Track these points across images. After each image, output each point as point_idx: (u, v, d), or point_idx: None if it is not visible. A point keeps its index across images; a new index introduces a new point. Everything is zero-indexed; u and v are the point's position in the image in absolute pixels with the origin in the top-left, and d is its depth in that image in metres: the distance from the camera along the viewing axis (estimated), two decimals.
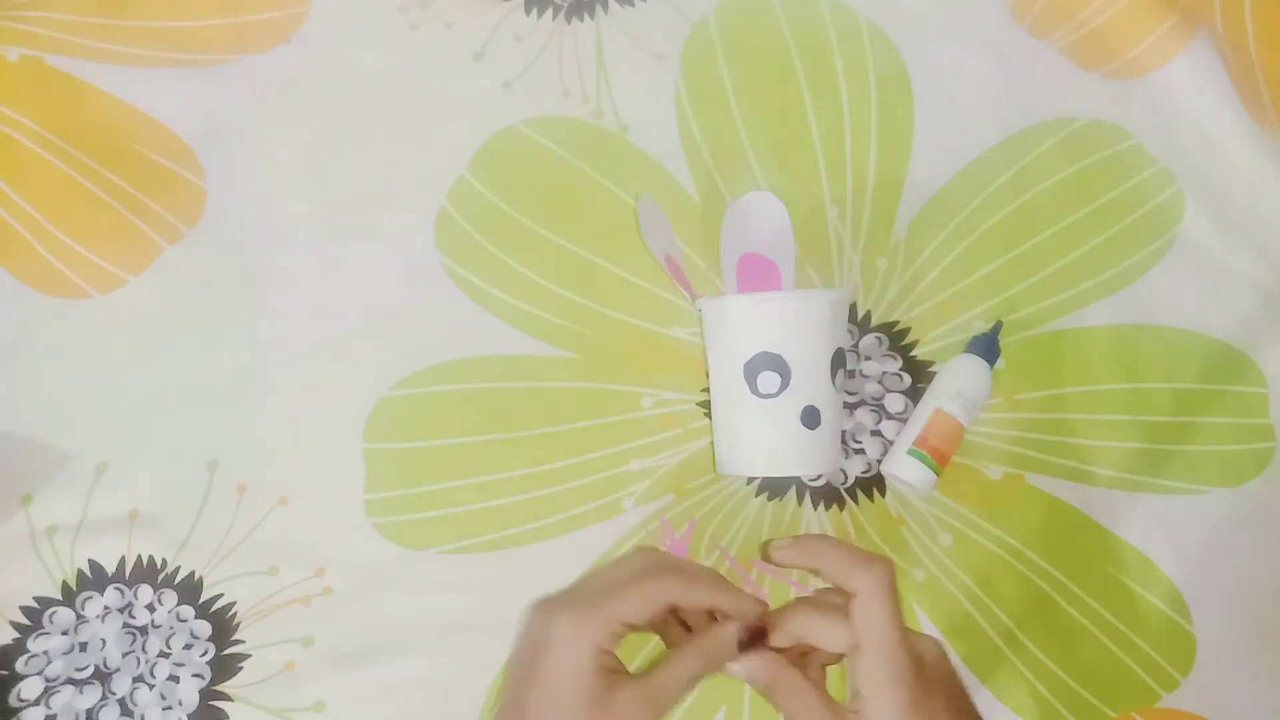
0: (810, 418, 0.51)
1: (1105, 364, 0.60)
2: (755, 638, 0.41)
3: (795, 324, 0.52)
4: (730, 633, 0.41)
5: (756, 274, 0.55)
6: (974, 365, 0.57)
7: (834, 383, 0.52)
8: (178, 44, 0.65)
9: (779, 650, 0.41)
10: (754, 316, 0.52)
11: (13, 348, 0.58)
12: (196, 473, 0.56)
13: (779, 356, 0.51)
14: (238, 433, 0.57)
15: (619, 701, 0.39)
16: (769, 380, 0.51)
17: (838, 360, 0.52)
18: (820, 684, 0.41)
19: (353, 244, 0.61)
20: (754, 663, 0.40)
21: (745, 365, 0.52)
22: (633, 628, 0.42)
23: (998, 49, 0.68)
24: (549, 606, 0.41)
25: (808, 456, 0.52)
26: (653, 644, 0.52)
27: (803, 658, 0.41)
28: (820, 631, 0.41)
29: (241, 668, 0.53)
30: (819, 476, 0.57)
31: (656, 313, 0.60)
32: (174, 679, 0.52)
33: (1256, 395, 0.60)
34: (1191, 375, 0.61)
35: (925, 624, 0.55)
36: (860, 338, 0.60)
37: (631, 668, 0.40)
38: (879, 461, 0.58)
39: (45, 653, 0.53)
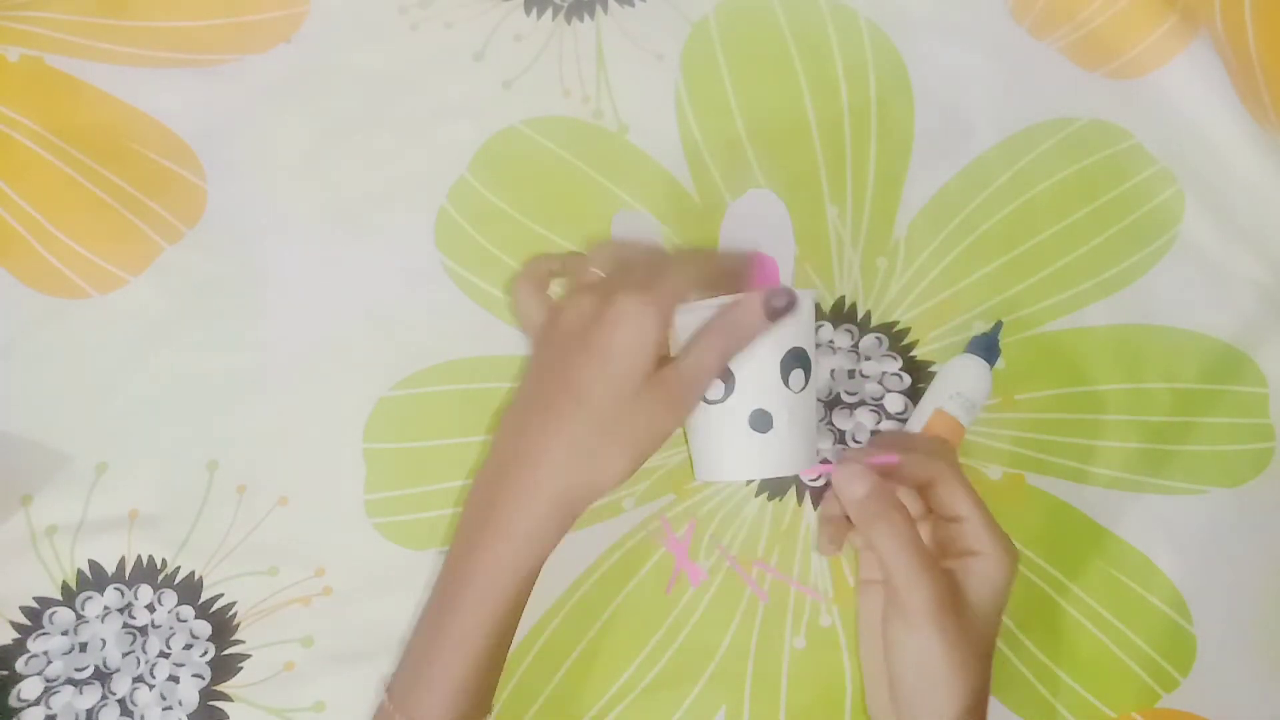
0: (760, 421, 0.51)
1: (1105, 364, 0.60)
2: (787, 305, 0.45)
3: None
4: (755, 300, 0.44)
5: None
6: (974, 365, 0.57)
7: (787, 384, 0.51)
8: (178, 44, 0.65)
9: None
10: (690, 325, 0.52)
11: (13, 348, 0.58)
12: (196, 473, 0.56)
13: None
14: (238, 433, 0.57)
15: (664, 380, 0.44)
16: (713, 386, 0.51)
17: (792, 361, 0.52)
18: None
19: (353, 244, 0.61)
20: (854, 476, 0.44)
21: None
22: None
23: (998, 49, 0.68)
24: (616, 288, 0.45)
25: (760, 460, 0.52)
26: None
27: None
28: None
29: (241, 668, 0.53)
30: (819, 476, 0.57)
31: None
32: (174, 679, 0.52)
33: (1256, 395, 0.60)
34: (1191, 375, 0.60)
35: None
36: (860, 338, 0.60)
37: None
38: None
39: (45, 653, 0.53)
